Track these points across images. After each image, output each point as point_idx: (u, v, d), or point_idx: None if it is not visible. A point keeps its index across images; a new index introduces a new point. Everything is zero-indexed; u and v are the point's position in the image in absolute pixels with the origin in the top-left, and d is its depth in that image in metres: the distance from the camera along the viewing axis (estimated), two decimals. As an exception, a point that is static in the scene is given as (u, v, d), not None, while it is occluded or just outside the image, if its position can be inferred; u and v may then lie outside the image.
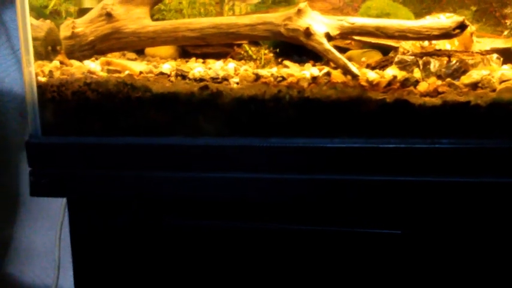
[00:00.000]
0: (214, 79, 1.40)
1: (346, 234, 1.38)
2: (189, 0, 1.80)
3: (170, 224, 1.45)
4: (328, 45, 1.41)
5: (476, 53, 1.47)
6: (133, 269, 1.50)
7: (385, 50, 1.63)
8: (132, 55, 1.72)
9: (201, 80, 1.40)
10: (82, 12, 1.76)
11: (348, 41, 1.68)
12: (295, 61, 1.59)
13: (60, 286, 2.51)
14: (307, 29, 1.42)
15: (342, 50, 1.67)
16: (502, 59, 1.48)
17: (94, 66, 1.49)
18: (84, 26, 1.55)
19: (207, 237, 1.44)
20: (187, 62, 1.66)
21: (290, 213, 1.39)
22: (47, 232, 2.59)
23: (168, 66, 1.47)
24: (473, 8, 1.78)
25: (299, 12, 1.45)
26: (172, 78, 1.42)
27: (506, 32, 1.72)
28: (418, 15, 1.73)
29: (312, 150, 1.34)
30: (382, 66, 1.48)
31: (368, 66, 1.51)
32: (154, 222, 1.44)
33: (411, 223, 1.35)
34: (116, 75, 1.44)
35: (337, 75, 1.39)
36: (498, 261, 1.33)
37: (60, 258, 2.46)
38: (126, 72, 1.45)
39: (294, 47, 1.50)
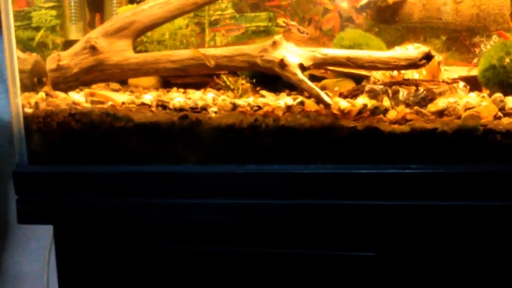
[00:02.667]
0: (193, 109, 1.46)
1: (320, 257, 1.42)
2: (171, 31, 1.86)
3: (153, 249, 1.49)
4: (301, 76, 1.48)
5: (443, 81, 1.54)
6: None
7: (358, 79, 1.70)
8: (116, 85, 1.78)
9: (181, 109, 1.45)
10: (68, 44, 1.82)
11: (324, 70, 1.74)
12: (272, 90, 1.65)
13: (49, 311, 2.53)
14: (282, 60, 1.49)
15: (318, 78, 1.74)
16: (468, 87, 1.54)
17: (78, 98, 1.54)
18: (69, 59, 1.61)
19: (188, 261, 1.49)
20: (168, 91, 1.72)
21: (267, 237, 1.44)
22: (36, 257, 2.61)
23: (149, 97, 1.53)
24: (444, 38, 1.85)
25: (274, 44, 1.51)
26: (154, 108, 1.48)
27: (475, 60, 1.79)
28: (393, 43, 1.80)
29: (287, 176, 1.39)
30: (353, 95, 1.54)
31: (340, 95, 1.57)
32: (137, 248, 1.49)
33: (383, 246, 1.40)
34: (100, 106, 1.49)
35: (310, 104, 1.45)
36: (468, 281, 1.38)
37: (49, 283, 2.49)
38: (109, 103, 1.50)
39: (271, 76, 1.56)
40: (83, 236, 1.52)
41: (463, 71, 1.71)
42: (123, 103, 1.50)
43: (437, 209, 1.33)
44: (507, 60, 1.47)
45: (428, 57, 1.43)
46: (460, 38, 1.84)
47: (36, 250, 2.63)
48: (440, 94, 1.48)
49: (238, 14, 1.99)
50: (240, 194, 1.41)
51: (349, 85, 1.68)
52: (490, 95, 1.50)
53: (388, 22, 1.90)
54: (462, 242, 1.36)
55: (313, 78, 1.72)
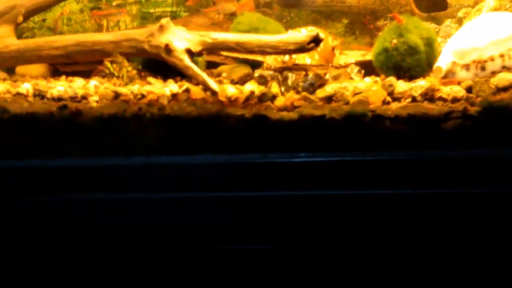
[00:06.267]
0: (73, 98, 1.38)
1: (207, 252, 1.37)
2: (66, 16, 1.76)
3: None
4: (188, 62, 1.41)
5: (334, 66, 1.49)
6: None
7: (255, 65, 1.64)
8: (2, 74, 1.68)
9: (60, 99, 1.37)
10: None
11: (223, 56, 1.68)
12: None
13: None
14: (167, 45, 1.42)
15: (216, 65, 1.68)
16: (363, 71, 1.50)
17: None
18: None
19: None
20: (57, 80, 1.63)
21: (154, 234, 1.36)
22: None
23: (27, 86, 1.44)
24: (345, 21, 1.81)
25: (161, 28, 1.44)
26: (30, 98, 1.39)
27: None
28: (294, 27, 1.73)
29: (174, 168, 1.32)
30: (244, 81, 1.48)
31: (232, 81, 1.52)
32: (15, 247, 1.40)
33: (278, 238, 1.35)
34: (-29, 96, 1.40)
35: (197, 92, 1.39)
36: (380, 271, 1.34)
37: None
38: (-18, 93, 1.41)
39: (164, 63, 1.48)
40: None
41: (360, 55, 1.66)
42: (-3, 93, 1.41)
43: (329, 199, 1.29)
44: (394, 41, 1.42)
45: (316, 40, 1.37)
46: (364, 22, 1.80)
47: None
48: (336, 79, 1.43)
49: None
50: (125, 188, 1.34)
51: (245, 71, 1.62)
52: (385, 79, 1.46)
53: (293, 6, 1.85)
54: (356, 231, 1.32)
55: (213, 65, 1.66)
